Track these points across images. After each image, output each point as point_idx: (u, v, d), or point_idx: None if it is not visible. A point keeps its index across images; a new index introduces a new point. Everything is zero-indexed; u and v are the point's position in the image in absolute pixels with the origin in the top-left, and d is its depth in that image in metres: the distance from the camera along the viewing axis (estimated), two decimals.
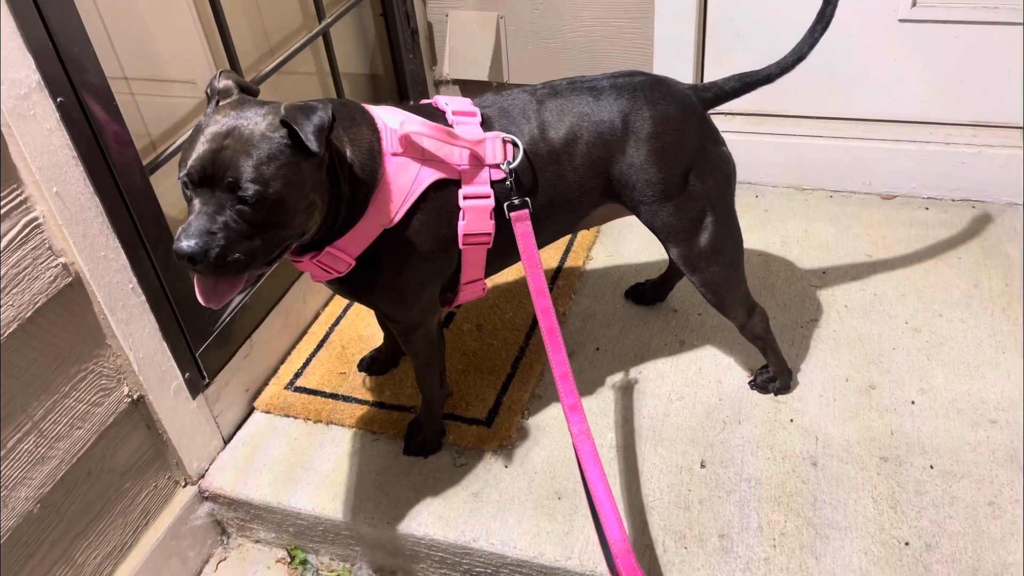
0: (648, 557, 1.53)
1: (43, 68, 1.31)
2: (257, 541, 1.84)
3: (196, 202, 1.20)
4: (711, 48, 2.33)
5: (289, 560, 1.81)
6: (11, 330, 1.34)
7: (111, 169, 1.47)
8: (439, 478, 1.72)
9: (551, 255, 2.24)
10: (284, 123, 1.21)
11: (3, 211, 1.31)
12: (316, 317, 2.15)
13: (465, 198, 1.45)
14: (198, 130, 1.22)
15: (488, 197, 1.45)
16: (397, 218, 1.39)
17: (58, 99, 1.35)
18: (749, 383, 1.83)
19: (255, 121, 1.21)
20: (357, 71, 2.46)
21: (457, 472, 1.73)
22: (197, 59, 1.82)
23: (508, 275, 2.14)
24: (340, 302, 2.19)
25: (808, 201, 2.38)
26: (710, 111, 1.59)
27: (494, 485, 1.69)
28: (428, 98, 1.81)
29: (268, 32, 2.02)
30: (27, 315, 1.36)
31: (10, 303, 1.33)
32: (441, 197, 1.43)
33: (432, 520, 1.64)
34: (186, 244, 1.17)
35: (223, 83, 1.28)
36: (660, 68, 2.33)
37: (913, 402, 1.75)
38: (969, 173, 2.23)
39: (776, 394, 1.80)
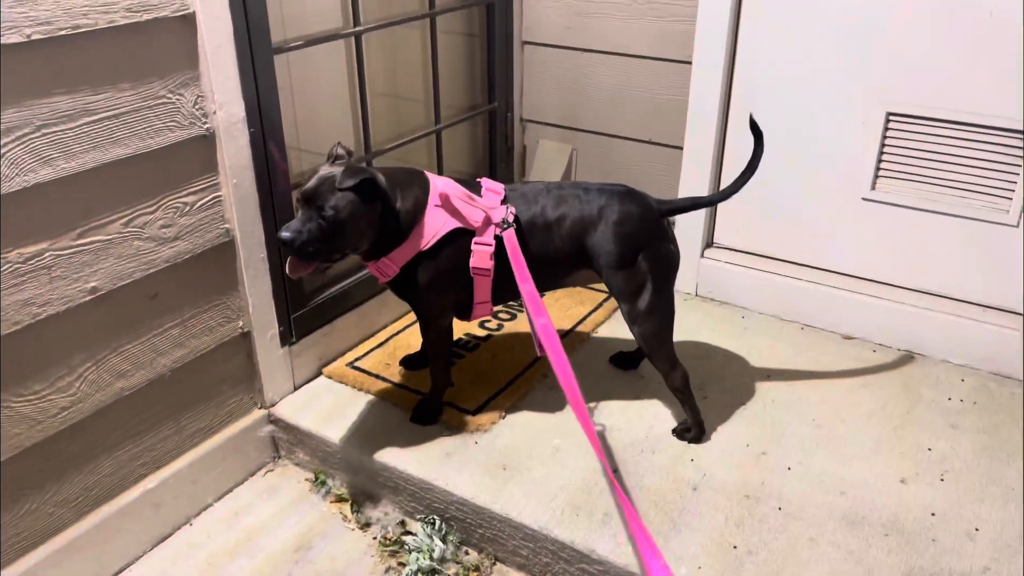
0: (551, 510, 2.11)
1: (248, 110, 2.20)
2: (297, 464, 2.55)
3: (300, 212, 2.01)
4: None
5: (314, 480, 2.50)
6: (185, 258, 2.18)
7: (269, 179, 2.33)
8: (427, 439, 2.39)
9: (566, 322, 2.92)
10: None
11: (203, 185, 2.18)
12: (385, 326, 2.92)
13: (475, 243, 2.18)
14: (315, 172, 2.04)
15: (490, 245, 2.17)
16: (427, 247, 2.14)
17: (251, 130, 2.23)
18: (672, 430, 2.40)
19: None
20: (462, 168, 3.32)
21: (441, 438, 2.39)
22: (344, 127, 2.71)
23: (525, 330, 2.82)
24: (406, 320, 2.95)
25: (783, 329, 2.94)
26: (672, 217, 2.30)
27: (463, 451, 2.34)
28: None
29: (400, 122, 2.91)
30: (197, 252, 2.20)
31: (190, 242, 2.18)
32: (459, 240, 2.17)
33: (411, 462, 2.30)
34: (284, 233, 1.97)
35: (339, 151, 2.11)
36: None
37: (789, 468, 2.26)
38: (913, 328, 2.74)
39: (689, 442, 2.36)
